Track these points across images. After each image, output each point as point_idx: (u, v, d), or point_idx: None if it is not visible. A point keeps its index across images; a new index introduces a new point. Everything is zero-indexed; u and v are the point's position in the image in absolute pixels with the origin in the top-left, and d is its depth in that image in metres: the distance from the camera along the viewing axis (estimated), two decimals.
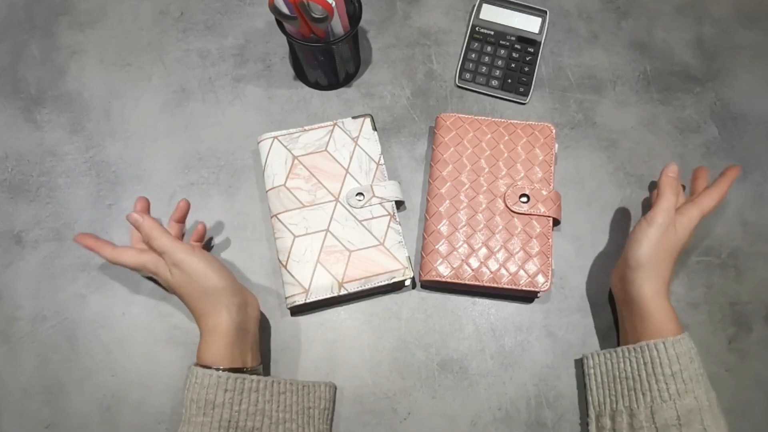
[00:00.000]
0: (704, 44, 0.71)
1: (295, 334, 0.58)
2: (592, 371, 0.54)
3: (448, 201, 0.60)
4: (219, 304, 0.50)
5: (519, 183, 0.60)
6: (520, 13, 0.69)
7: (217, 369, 0.47)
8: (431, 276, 0.57)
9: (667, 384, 0.47)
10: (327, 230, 0.58)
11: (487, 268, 0.57)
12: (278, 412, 0.49)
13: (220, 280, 0.51)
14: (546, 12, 0.69)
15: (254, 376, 0.48)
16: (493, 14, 0.69)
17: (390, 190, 0.60)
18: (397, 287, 0.59)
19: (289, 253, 0.57)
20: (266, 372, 0.56)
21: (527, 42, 0.68)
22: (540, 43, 0.68)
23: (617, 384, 0.51)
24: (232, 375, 0.47)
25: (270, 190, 0.60)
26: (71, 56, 0.70)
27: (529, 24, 0.69)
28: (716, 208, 0.55)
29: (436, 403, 0.56)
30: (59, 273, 0.60)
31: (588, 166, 0.65)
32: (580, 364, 0.56)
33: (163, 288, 0.59)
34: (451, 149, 0.62)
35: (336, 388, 0.56)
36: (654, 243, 0.52)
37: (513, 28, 0.69)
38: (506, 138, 0.62)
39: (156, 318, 0.58)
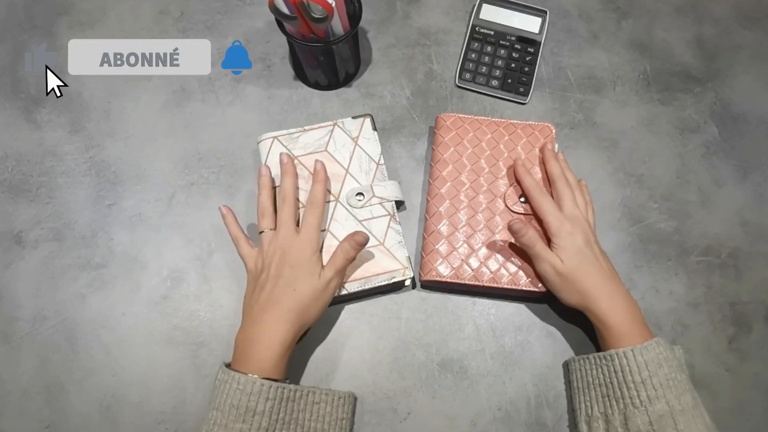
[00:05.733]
0: (704, 44, 0.71)
1: None
2: (572, 376, 0.54)
3: (448, 201, 0.60)
4: (300, 322, 0.51)
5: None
6: (520, 13, 0.69)
7: (262, 377, 0.47)
8: (431, 276, 0.57)
9: (637, 391, 0.47)
10: (327, 230, 0.58)
11: (487, 268, 0.57)
12: (311, 421, 0.49)
13: (321, 312, 0.53)
14: (546, 12, 0.69)
15: (293, 386, 0.48)
16: (493, 14, 0.69)
17: (390, 190, 0.60)
18: (397, 287, 0.59)
19: None
20: None
21: (527, 42, 0.68)
22: (540, 43, 0.68)
23: (592, 390, 0.51)
24: (274, 383, 0.47)
25: None
26: None
27: (529, 24, 0.69)
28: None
29: (436, 403, 0.56)
30: (59, 273, 0.60)
31: (588, 166, 0.65)
32: (566, 366, 0.56)
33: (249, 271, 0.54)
34: (451, 149, 0.62)
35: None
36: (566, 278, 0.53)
37: (513, 28, 0.69)
38: (506, 138, 0.62)
39: (156, 318, 0.58)
